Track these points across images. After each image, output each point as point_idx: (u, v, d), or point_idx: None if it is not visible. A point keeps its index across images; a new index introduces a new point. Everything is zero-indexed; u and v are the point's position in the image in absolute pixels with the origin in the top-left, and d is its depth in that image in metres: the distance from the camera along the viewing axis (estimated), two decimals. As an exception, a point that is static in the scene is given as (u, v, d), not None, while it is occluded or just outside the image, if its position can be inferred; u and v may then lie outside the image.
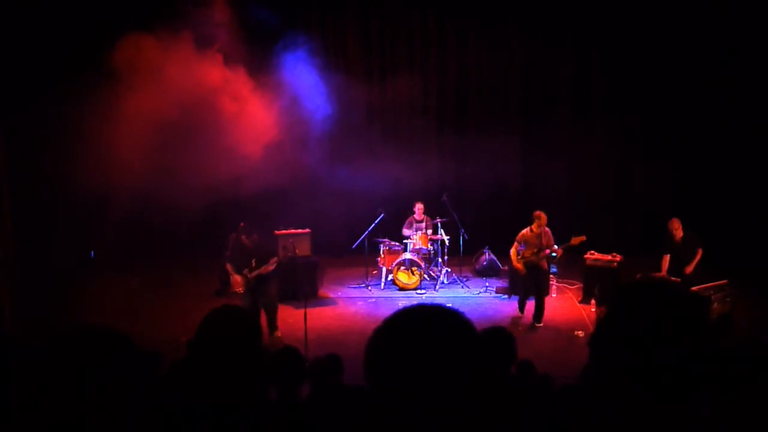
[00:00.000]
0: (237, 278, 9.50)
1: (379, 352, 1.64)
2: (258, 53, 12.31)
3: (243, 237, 9.56)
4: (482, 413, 1.58)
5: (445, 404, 1.54)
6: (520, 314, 10.75)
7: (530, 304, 10.66)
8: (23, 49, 11.15)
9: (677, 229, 10.45)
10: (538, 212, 10.40)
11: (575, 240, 10.54)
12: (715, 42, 13.17)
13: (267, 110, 11.93)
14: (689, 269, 10.37)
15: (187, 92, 10.84)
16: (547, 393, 4.73)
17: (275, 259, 9.72)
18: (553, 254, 10.70)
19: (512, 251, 10.56)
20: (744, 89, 13.03)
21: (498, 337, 4.59)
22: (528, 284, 10.58)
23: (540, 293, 10.53)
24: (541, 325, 10.43)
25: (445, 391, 1.55)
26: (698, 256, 10.35)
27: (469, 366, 1.59)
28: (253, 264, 9.51)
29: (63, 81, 11.38)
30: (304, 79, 12.67)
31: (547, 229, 10.38)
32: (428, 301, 11.64)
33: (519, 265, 10.43)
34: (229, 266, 9.64)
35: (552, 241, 10.38)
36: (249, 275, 9.47)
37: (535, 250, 10.33)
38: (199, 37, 11.21)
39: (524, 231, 10.47)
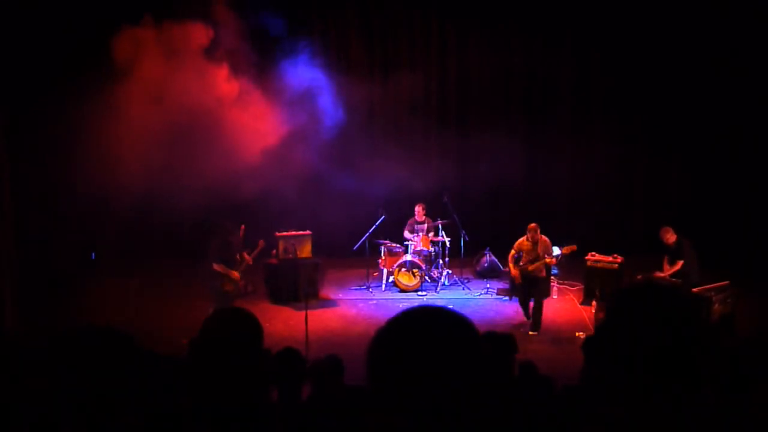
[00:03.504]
0: (235, 274, 9.79)
1: (381, 352, 1.64)
2: (259, 54, 12.30)
3: (230, 235, 9.96)
4: (483, 414, 1.58)
5: (446, 405, 1.54)
6: (527, 319, 10.62)
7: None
8: (24, 49, 11.15)
9: (668, 238, 10.57)
10: (531, 225, 10.38)
11: (566, 249, 10.69)
12: (717, 41, 13.15)
13: (268, 112, 11.93)
14: (660, 274, 10.53)
15: (190, 93, 10.85)
16: (548, 394, 4.73)
17: (257, 251, 10.33)
18: (554, 270, 10.73)
19: (509, 258, 10.60)
20: (745, 89, 13.02)
21: (496, 341, 4.59)
22: (523, 295, 10.56)
23: (537, 302, 10.39)
24: (536, 333, 10.25)
25: (447, 392, 1.55)
26: (677, 267, 10.43)
27: (470, 367, 1.59)
28: (239, 258, 9.94)
29: (64, 81, 11.38)
30: (306, 80, 12.68)
31: (544, 237, 10.37)
32: (430, 302, 11.67)
33: (516, 272, 10.43)
34: (218, 266, 9.69)
35: (550, 249, 10.37)
36: (240, 269, 9.87)
37: (531, 258, 10.31)
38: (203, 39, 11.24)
39: (521, 239, 10.49)
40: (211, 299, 9.75)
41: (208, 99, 11.16)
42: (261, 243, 10.42)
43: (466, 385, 1.57)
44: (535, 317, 10.36)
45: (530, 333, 10.25)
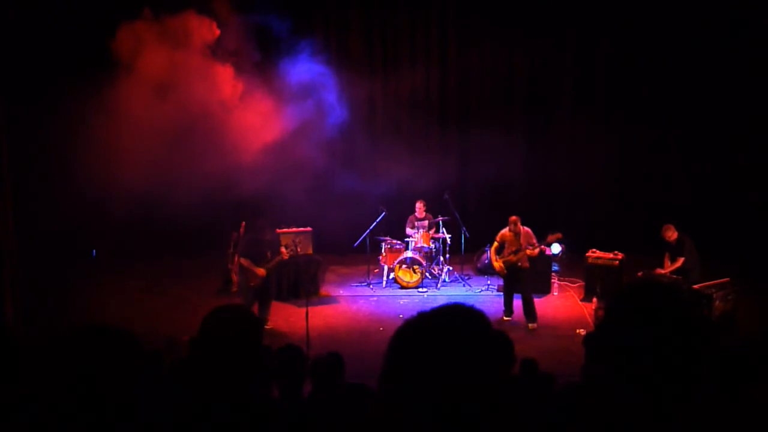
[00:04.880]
0: (261, 271, 9.89)
1: (407, 343, 1.63)
2: (261, 52, 12.29)
3: (264, 231, 10.18)
4: (486, 412, 1.58)
5: (454, 402, 1.54)
6: (506, 318, 10.68)
7: (517, 305, 10.66)
8: (25, 47, 11.14)
9: (669, 235, 10.64)
10: (512, 218, 10.48)
11: (551, 237, 10.79)
12: (717, 39, 13.14)
13: (270, 110, 11.92)
14: (661, 271, 10.62)
15: (193, 92, 10.85)
16: (549, 391, 4.73)
17: (284, 249, 10.32)
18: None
19: (492, 250, 10.70)
20: (746, 87, 13.00)
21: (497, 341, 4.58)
22: (508, 287, 10.65)
23: (525, 294, 10.44)
24: (536, 325, 10.31)
25: (459, 389, 1.55)
26: (677, 264, 10.49)
27: (487, 371, 1.59)
28: (269, 256, 10.02)
29: (64, 79, 11.37)
30: (307, 78, 12.68)
31: (526, 228, 10.48)
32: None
33: (499, 264, 10.51)
34: (245, 261, 9.95)
35: (533, 239, 10.47)
36: (268, 266, 9.97)
37: (514, 249, 10.40)
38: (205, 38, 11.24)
39: (503, 231, 10.59)
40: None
41: (212, 99, 11.17)
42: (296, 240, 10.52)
43: (477, 383, 1.57)
44: (528, 309, 10.41)
45: (529, 326, 10.32)
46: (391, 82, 14.59)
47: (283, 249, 10.20)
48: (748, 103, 13.04)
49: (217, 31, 11.28)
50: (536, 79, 14.77)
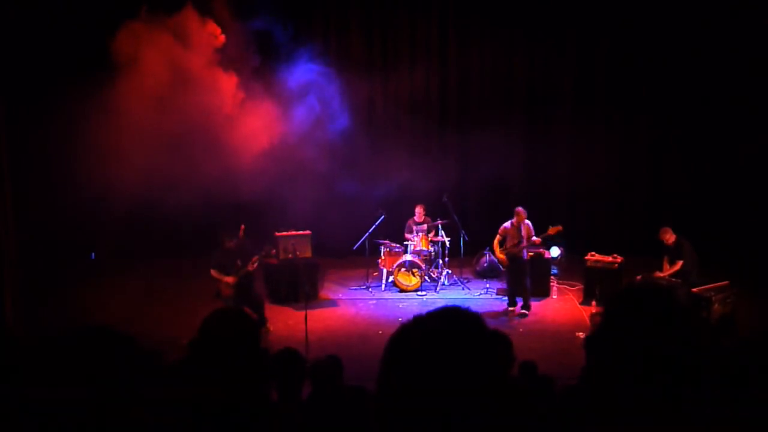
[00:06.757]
0: (229, 279, 10.00)
1: (403, 347, 1.63)
2: (261, 56, 12.27)
3: (227, 241, 10.13)
4: (484, 414, 1.58)
5: (453, 408, 1.54)
6: (510, 308, 11.12)
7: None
8: (27, 46, 11.13)
9: (667, 238, 10.63)
10: (517, 209, 11.00)
11: (552, 230, 11.03)
12: (718, 39, 13.14)
13: (270, 114, 11.91)
14: (660, 274, 10.64)
15: (192, 93, 10.85)
16: (548, 394, 4.74)
17: (256, 257, 10.29)
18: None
19: (495, 243, 11.17)
20: (746, 87, 13.00)
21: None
22: (511, 276, 11.10)
23: (524, 282, 11.04)
24: (528, 312, 10.99)
25: (457, 395, 1.55)
26: (676, 267, 10.48)
27: (484, 373, 1.59)
28: (239, 264, 10.05)
29: (65, 79, 11.37)
30: (307, 82, 12.67)
31: (527, 222, 10.94)
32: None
33: (502, 256, 11.04)
34: (213, 272, 10.09)
35: (532, 233, 10.94)
36: (238, 275, 10.01)
37: (516, 242, 10.85)
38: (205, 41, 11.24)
39: (505, 224, 11.07)
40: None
41: (213, 102, 11.16)
42: (256, 258, 10.32)
43: (475, 385, 1.57)
44: (524, 297, 11.06)
45: (525, 312, 10.99)
46: (391, 82, 14.57)
47: (255, 259, 10.17)
48: (748, 103, 13.04)
49: (222, 37, 11.25)
50: (536, 79, 14.73)
